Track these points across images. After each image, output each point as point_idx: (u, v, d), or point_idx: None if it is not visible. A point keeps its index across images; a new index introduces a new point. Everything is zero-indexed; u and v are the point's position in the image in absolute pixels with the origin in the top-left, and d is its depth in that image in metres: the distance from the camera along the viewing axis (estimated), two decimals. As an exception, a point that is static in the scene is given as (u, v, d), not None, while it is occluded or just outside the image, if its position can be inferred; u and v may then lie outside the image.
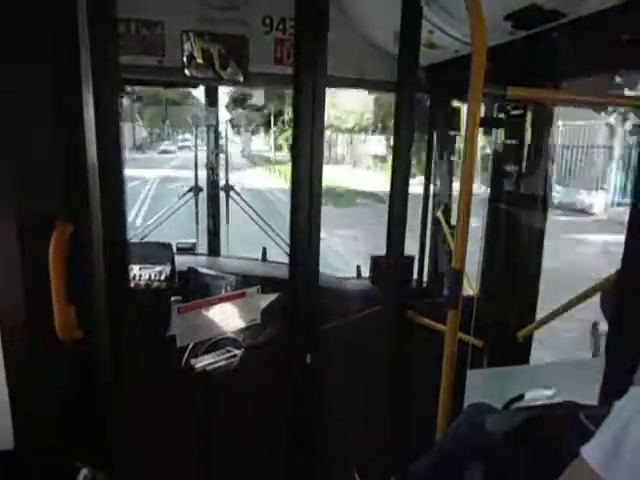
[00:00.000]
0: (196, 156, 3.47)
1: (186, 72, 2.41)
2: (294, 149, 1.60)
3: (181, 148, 28.24)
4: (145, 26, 2.35)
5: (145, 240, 3.00)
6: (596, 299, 1.75)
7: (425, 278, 2.97)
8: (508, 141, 2.09)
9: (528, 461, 1.16)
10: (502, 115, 1.91)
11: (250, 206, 3.30)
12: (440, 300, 2.69)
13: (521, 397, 1.63)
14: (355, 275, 3.13)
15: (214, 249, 3.27)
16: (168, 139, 31.42)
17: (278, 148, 27.19)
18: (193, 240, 3.30)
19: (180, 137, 30.06)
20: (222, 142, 3.41)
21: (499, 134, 2.13)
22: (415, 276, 2.92)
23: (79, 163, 1.12)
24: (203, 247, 3.33)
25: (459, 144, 2.77)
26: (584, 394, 1.46)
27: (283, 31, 2.46)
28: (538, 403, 1.46)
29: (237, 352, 1.52)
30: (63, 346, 1.10)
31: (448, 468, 1.44)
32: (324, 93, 1.61)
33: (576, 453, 0.77)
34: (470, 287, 2.10)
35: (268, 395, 1.66)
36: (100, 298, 1.18)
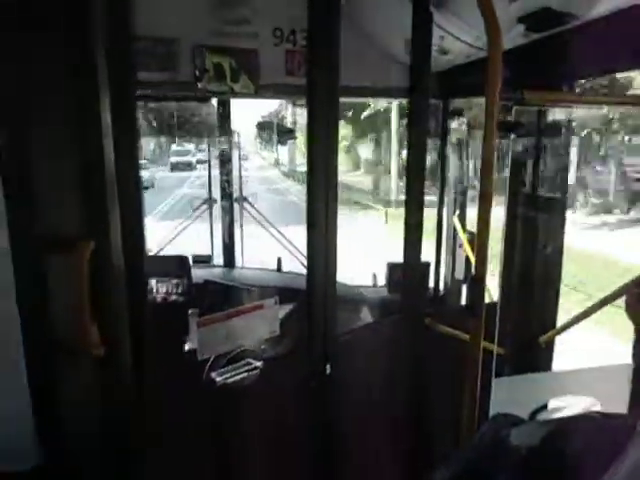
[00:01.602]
0: (209, 167, 3.50)
1: (198, 86, 2.44)
2: (309, 158, 1.60)
3: (173, 168, 18.25)
4: (158, 42, 2.39)
5: (161, 253, 3.02)
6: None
7: (442, 284, 2.94)
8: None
9: (551, 477, 1.13)
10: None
11: (264, 217, 3.31)
12: (458, 307, 2.66)
13: (545, 407, 1.60)
14: (372, 283, 3.12)
15: (229, 261, 3.28)
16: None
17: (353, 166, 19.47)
18: (209, 252, 3.31)
19: (175, 147, 18.76)
20: (243, 153, 3.41)
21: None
22: (432, 283, 2.90)
23: (98, 179, 1.13)
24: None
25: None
26: (612, 401, 1.42)
27: (293, 43, 2.48)
28: (565, 412, 1.42)
29: (257, 364, 1.51)
30: (85, 363, 1.11)
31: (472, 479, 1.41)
32: (338, 104, 1.61)
33: (603, 468, 0.74)
34: (487, 294, 2.07)
35: (289, 406, 1.65)
36: (122, 314, 1.18)
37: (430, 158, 2.64)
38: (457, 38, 1.97)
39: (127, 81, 1.22)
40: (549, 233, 2.10)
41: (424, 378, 2.04)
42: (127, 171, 1.21)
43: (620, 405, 1.46)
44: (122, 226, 1.19)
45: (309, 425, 1.73)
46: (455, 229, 2.79)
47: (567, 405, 1.54)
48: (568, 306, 2.83)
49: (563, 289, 2.28)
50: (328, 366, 1.70)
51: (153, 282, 2.48)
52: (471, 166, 2.75)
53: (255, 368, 1.50)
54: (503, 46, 1.34)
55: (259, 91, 2.46)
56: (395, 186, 14.98)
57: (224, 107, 3.21)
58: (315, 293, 1.68)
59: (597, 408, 1.36)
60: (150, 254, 2.92)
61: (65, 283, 1.05)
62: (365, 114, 17.15)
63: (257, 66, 2.44)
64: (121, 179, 1.18)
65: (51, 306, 1.11)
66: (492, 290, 2.31)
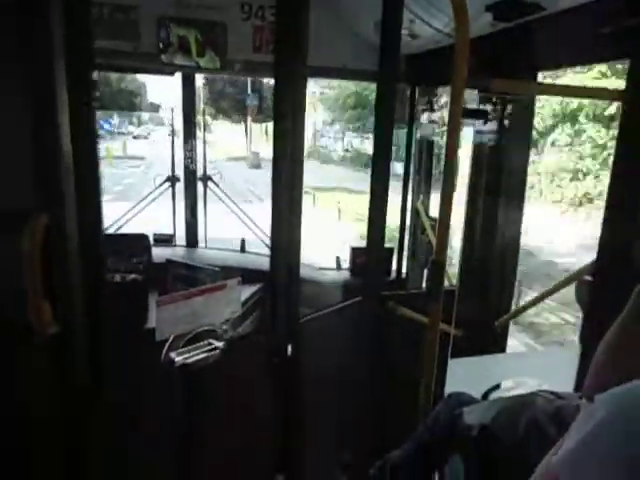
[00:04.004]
0: (173, 142, 3.40)
1: (162, 58, 2.35)
2: (275, 138, 1.57)
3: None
4: (119, 10, 2.28)
5: (121, 231, 2.93)
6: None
7: (404, 269, 3.00)
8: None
9: (503, 453, 1.18)
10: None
11: (229, 197, 3.26)
12: (419, 291, 2.72)
13: (497, 387, 1.67)
14: (335, 266, 3.14)
15: (192, 240, 3.22)
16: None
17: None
18: (170, 231, 3.24)
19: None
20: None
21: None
22: (394, 267, 2.95)
23: (52, 152, 1.08)
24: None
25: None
26: (562, 381, 1.50)
27: (262, 18, 2.42)
28: (516, 392, 1.49)
29: (218, 344, 1.50)
30: (38, 342, 1.07)
31: (428, 459, 1.46)
32: (305, 82, 1.58)
33: (549, 444, 0.78)
34: (446, 278, 2.12)
35: (249, 387, 1.65)
36: (76, 292, 1.14)
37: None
38: (427, 23, 1.97)
39: (84, 48, 1.16)
40: (507, 221, 2.16)
41: (384, 359, 2.08)
42: (83, 143, 1.16)
43: (568, 385, 1.54)
44: (78, 200, 1.14)
45: (270, 406, 1.74)
46: (419, 214, 2.84)
47: (518, 385, 1.61)
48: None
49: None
50: (289, 347, 1.71)
51: (112, 260, 2.41)
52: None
53: (216, 349, 1.49)
54: (470, 33, 1.35)
55: (225, 67, 2.40)
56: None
57: (189, 82, 3.12)
58: (278, 274, 1.67)
59: (546, 387, 1.42)
60: (109, 231, 2.83)
61: (16, 259, 1.00)
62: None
63: (224, 41, 2.37)
64: (77, 151, 1.13)
65: (1, 282, 1.06)
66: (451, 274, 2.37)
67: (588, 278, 1.70)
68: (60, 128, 1.08)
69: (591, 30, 1.53)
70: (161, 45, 2.33)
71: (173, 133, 3.65)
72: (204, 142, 3.40)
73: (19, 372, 1.10)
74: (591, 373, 0.81)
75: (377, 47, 1.89)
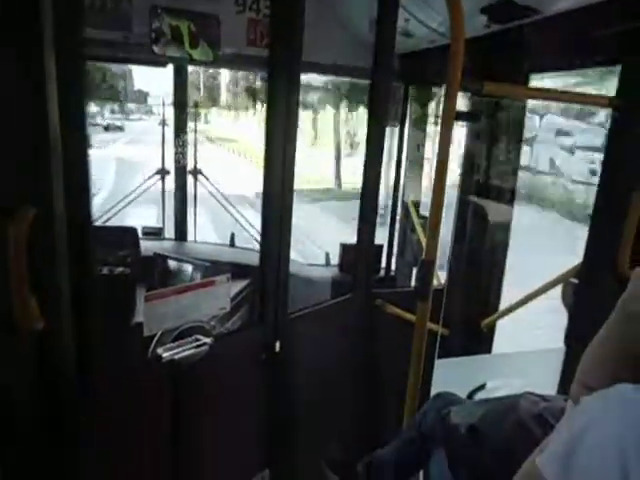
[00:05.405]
0: (163, 135, 3.36)
1: (154, 49, 2.32)
2: (267, 134, 1.56)
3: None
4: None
5: (108, 224, 2.90)
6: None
7: (393, 266, 3.01)
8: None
9: (489, 452, 1.20)
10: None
11: (219, 191, 3.24)
12: (408, 289, 2.74)
13: (482, 387, 1.69)
14: (324, 262, 3.15)
15: (181, 234, 3.20)
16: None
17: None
18: (159, 225, 3.22)
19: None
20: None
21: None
22: (383, 264, 2.96)
23: (40, 141, 1.06)
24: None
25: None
26: (546, 382, 1.52)
27: (256, 12, 2.40)
28: (501, 393, 1.50)
29: (206, 340, 1.49)
30: (23, 338, 1.05)
31: (414, 455, 1.48)
32: (299, 78, 1.58)
33: (534, 444, 0.79)
34: (436, 278, 2.14)
35: (238, 383, 1.64)
36: (64, 286, 1.13)
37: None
38: (422, 22, 1.97)
39: (75, 37, 1.13)
40: (497, 222, 2.18)
41: (371, 357, 2.09)
42: (73, 133, 1.13)
43: (552, 385, 1.56)
44: (66, 193, 1.12)
45: (258, 402, 1.74)
46: (409, 213, 2.85)
47: (503, 386, 1.63)
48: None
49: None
50: (278, 343, 1.71)
51: (99, 253, 2.38)
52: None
53: (204, 344, 1.48)
54: (465, 34, 1.35)
55: (218, 60, 2.38)
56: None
57: (180, 74, 3.09)
58: (267, 270, 1.67)
59: (530, 389, 1.45)
60: (96, 224, 2.80)
61: (1, 253, 0.98)
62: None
63: (217, 33, 2.34)
64: (66, 141, 1.11)
65: None
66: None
67: (574, 280, 1.72)
68: (49, 118, 1.06)
69: (583, 34, 1.55)
70: (153, 35, 2.29)
71: (164, 124, 3.61)
72: (195, 132, 3.37)
73: (3, 368, 1.08)
74: (578, 377, 0.83)
75: (372, 44, 1.88)
